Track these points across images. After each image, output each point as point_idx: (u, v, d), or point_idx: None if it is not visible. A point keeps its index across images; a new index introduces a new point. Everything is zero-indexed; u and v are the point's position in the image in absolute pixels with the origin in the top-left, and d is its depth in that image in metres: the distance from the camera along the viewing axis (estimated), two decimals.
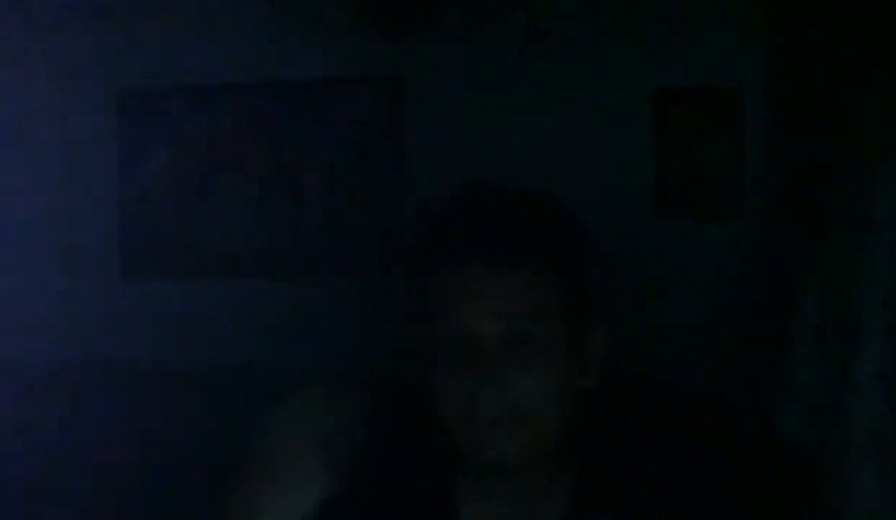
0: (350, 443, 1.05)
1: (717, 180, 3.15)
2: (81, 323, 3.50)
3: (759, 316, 2.70)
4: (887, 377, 2.16)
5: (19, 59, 3.54)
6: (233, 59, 3.44)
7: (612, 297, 1.35)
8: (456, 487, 1.24)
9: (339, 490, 1.17)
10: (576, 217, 1.24)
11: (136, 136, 3.51)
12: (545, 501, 1.23)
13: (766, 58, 3.02)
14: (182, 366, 3.37)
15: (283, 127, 3.42)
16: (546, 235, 1.20)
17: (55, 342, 3.49)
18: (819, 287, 2.26)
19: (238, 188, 3.46)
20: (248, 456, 1.09)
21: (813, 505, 2.22)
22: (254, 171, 3.45)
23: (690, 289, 3.14)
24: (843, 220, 2.24)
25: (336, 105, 3.39)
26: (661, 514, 1.23)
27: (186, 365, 3.36)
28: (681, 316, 3.13)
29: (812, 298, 2.26)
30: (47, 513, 3.26)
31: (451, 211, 1.23)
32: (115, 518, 3.23)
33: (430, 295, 1.20)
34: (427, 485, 1.24)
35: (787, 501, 2.21)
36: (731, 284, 3.08)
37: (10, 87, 3.55)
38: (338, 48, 3.34)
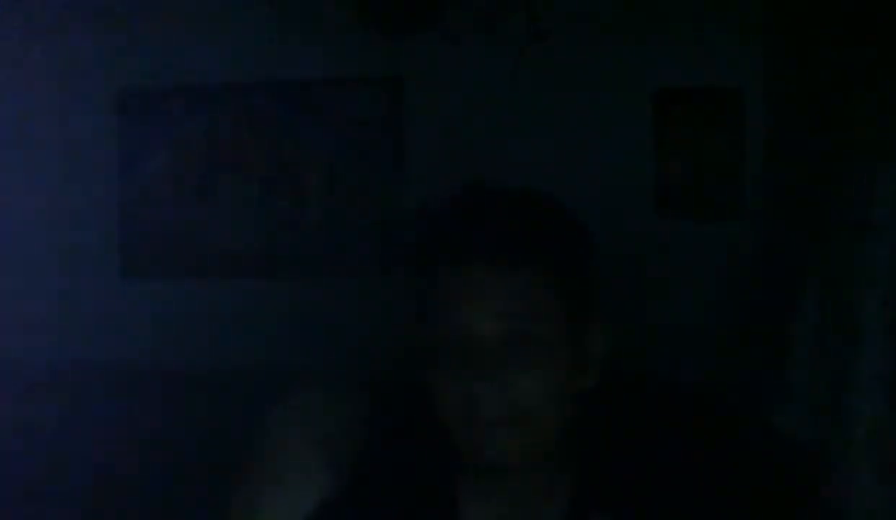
0: (350, 443, 1.04)
1: (717, 180, 3.15)
2: (81, 323, 3.50)
3: (759, 316, 2.70)
4: (887, 377, 2.16)
5: (19, 59, 3.54)
6: (233, 59, 3.44)
7: (612, 297, 1.35)
8: (456, 486, 1.24)
9: (339, 490, 1.17)
10: (576, 217, 1.23)
11: (136, 136, 3.51)
12: (545, 501, 1.23)
13: (766, 58, 3.02)
14: (182, 366, 3.37)
15: (283, 127, 3.42)
16: (547, 236, 1.20)
17: (55, 342, 3.49)
18: (819, 287, 2.26)
19: (238, 188, 3.46)
20: (247, 456, 1.08)
21: (813, 505, 2.22)
22: (254, 171, 3.45)
23: (690, 289, 3.14)
24: (843, 220, 2.24)
25: (336, 105, 3.39)
26: (661, 514, 1.23)
27: (186, 365, 3.36)
28: (681, 316, 3.13)
29: (812, 298, 2.26)
30: (47, 513, 3.26)
31: (452, 211, 1.23)
32: (115, 518, 3.23)
33: (431, 295, 1.20)
34: (427, 485, 1.24)
35: (788, 501, 2.21)
36: (731, 284, 3.08)
37: (10, 87, 3.55)
38: (338, 48, 3.34)
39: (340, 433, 1.05)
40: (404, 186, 3.35)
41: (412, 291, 1.22)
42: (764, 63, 3.04)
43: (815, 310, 2.26)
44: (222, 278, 3.47)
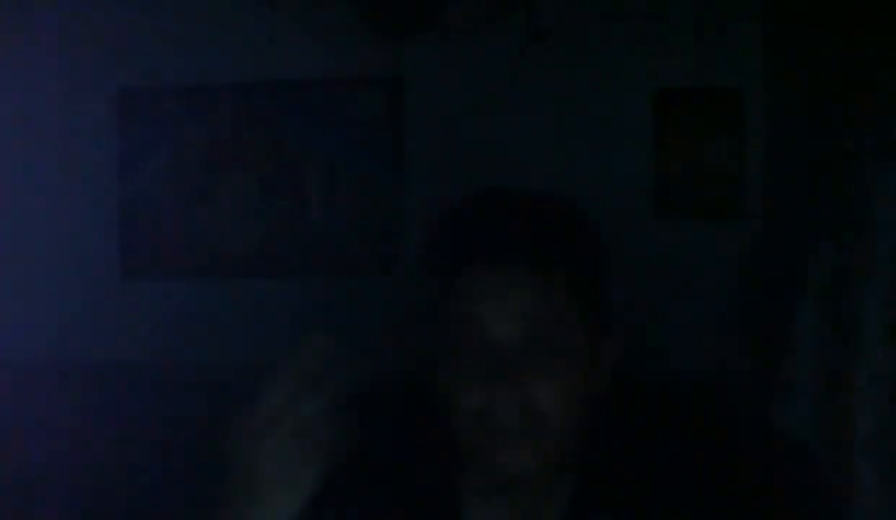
0: (333, 430, 1.02)
1: (717, 180, 3.15)
2: (81, 323, 3.50)
3: (759, 316, 2.70)
4: (887, 377, 2.16)
5: (19, 59, 3.54)
6: (233, 59, 3.43)
7: (612, 297, 1.35)
8: (457, 487, 1.24)
9: (338, 492, 1.16)
10: (595, 223, 1.22)
11: (136, 136, 3.51)
12: (545, 501, 1.23)
13: (766, 58, 3.03)
14: (182, 366, 3.37)
15: (283, 127, 3.42)
16: (568, 239, 1.19)
17: (55, 342, 3.49)
18: (819, 287, 2.26)
19: (238, 188, 3.45)
20: (224, 459, 1.06)
21: (813, 505, 2.22)
22: (254, 171, 3.44)
23: (690, 289, 3.14)
24: (843, 220, 2.24)
25: (336, 105, 3.39)
26: (661, 514, 1.23)
27: (186, 365, 3.36)
28: (680, 316, 3.13)
29: (812, 298, 2.27)
30: (47, 513, 3.26)
31: (473, 212, 1.21)
32: (116, 518, 3.23)
33: (448, 296, 1.18)
34: (428, 486, 1.24)
35: (787, 501, 2.20)
36: (731, 284, 3.08)
37: (10, 87, 3.55)
38: (338, 48, 3.34)
39: (320, 423, 1.03)
40: (404, 186, 3.35)
41: (422, 292, 1.21)
42: (764, 63, 3.04)
43: (815, 310, 2.26)
44: (222, 278, 3.46)
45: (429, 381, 1.19)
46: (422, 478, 1.23)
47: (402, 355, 1.28)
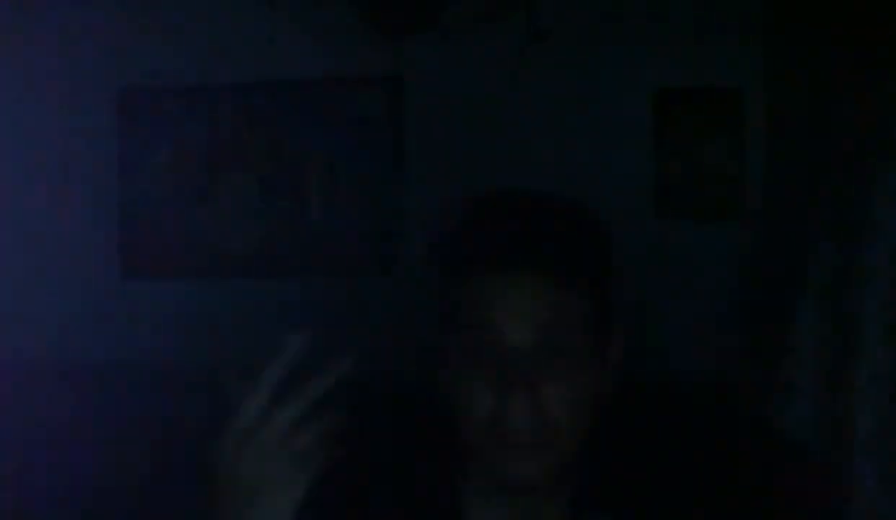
0: (318, 433, 1.01)
1: (717, 181, 3.15)
2: (81, 323, 3.50)
3: (759, 316, 2.70)
4: (887, 377, 2.16)
5: (19, 59, 3.54)
6: (233, 59, 3.44)
7: (614, 297, 1.35)
8: (457, 488, 1.24)
9: (338, 492, 1.16)
10: (608, 227, 1.21)
11: (136, 136, 3.51)
12: (546, 501, 1.23)
13: (766, 58, 3.03)
14: (182, 366, 3.37)
15: (283, 127, 3.42)
16: (582, 246, 1.17)
17: (55, 342, 3.49)
18: (819, 287, 2.26)
19: (238, 188, 3.46)
20: (213, 466, 1.05)
21: (814, 505, 2.22)
22: (254, 171, 3.44)
23: (690, 289, 3.14)
24: (843, 220, 2.24)
25: (336, 105, 3.39)
26: (661, 514, 1.23)
27: (186, 365, 3.36)
28: (680, 316, 3.13)
29: (812, 299, 2.26)
30: (47, 513, 3.26)
31: (487, 216, 1.19)
32: (116, 518, 3.23)
33: (459, 300, 1.16)
34: (429, 487, 1.24)
35: (788, 500, 2.21)
36: (731, 284, 3.08)
37: (10, 87, 3.55)
38: (338, 48, 3.34)
39: (307, 426, 1.02)
40: (404, 185, 3.35)
41: (424, 293, 1.20)
42: (764, 63, 3.04)
43: (815, 310, 2.26)
44: (222, 278, 3.47)
45: (432, 383, 1.18)
46: (422, 478, 1.23)
47: (403, 356, 1.27)
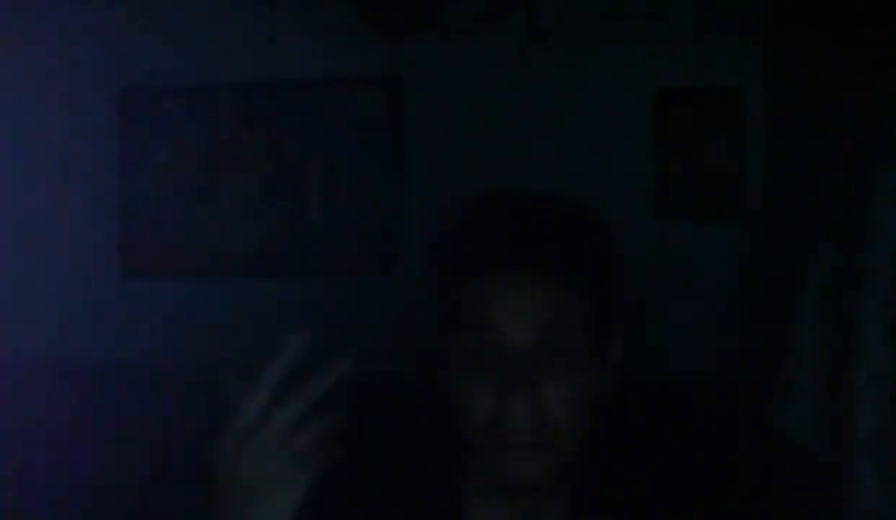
0: (317, 433, 1.01)
1: (717, 181, 3.16)
2: (81, 323, 3.50)
3: (759, 316, 2.70)
4: (887, 377, 2.15)
5: (19, 59, 3.54)
6: (233, 59, 3.44)
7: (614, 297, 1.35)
8: (457, 487, 1.24)
9: (338, 492, 1.16)
10: (605, 225, 1.21)
11: (136, 136, 3.51)
12: (546, 501, 1.23)
13: (766, 58, 3.03)
14: (182, 366, 3.37)
15: (283, 127, 3.42)
16: (584, 247, 1.17)
17: (55, 342, 3.49)
18: (819, 287, 2.26)
19: (238, 188, 3.46)
20: (213, 466, 1.05)
21: (814, 505, 2.22)
22: (254, 171, 3.45)
23: (690, 289, 3.14)
24: (843, 220, 2.24)
25: (336, 105, 3.39)
26: (661, 514, 1.23)
27: (186, 365, 3.36)
28: (680, 316, 3.13)
29: (812, 299, 2.26)
30: (47, 513, 3.26)
31: (488, 216, 1.19)
32: (115, 518, 3.23)
33: (460, 301, 1.16)
34: (429, 487, 1.24)
35: (788, 501, 2.21)
36: (731, 284, 3.08)
37: (10, 87, 3.55)
38: (338, 48, 3.34)
39: (307, 424, 1.02)
40: (404, 185, 3.35)
41: (424, 293, 1.20)
42: (764, 63, 3.04)
43: (815, 310, 2.26)
44: (222, 278, 3.47)
45: (432, 383, 1.18)
46: (422, 478, 1.23)
47: (403, 356, 1.27)
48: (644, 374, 1.32)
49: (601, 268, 1.19)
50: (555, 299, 1.14)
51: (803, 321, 2.26)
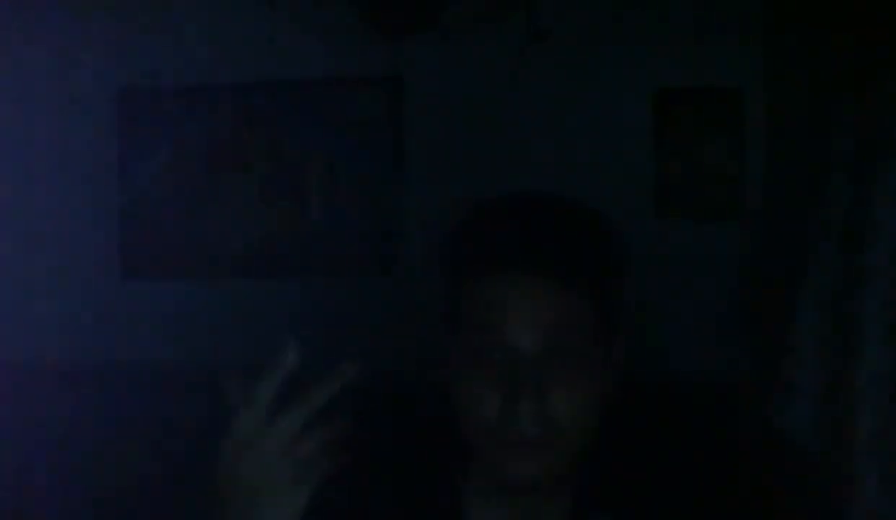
0: (319, 441, 1.01)
1: (717, 181, 3.15)
2: (81, 323, 3.50)
3: (759, 316, 2.70)
4: (887, 377, 2.16)
5: (19, 59, 3.54)
6: (233, 59, 3.44)
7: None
8: (458, 487, 1.24)
9: (339, 492, 1.16)
10: (615, 228, 1.21)
11: (136, 136, 3.51)
12: (547, 501, 1.23)
13: (766, 58, 3.03)
14: (182, 366, 3.37)
15: (283, 127, 3.42)
16: (592, 250, 1.16)
17: (56, 343, 3.49)
18: (819, 287, 2.26)
19: (238, 188, 3.46)
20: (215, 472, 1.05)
21: (814, 506, 2.22)
22: (254, 171, 3.44)
23: (690, 289, 3.14)
24: (843, 220, 2.24)
25: (336, 105, 3.39)
26: (662, 515, 1.23)
27: (186, 365, 3.36)
28: (680, 316, 3.13)
29: (812, 299, 2.26)
30: (47, 513, 3.26)
31: (497, 218, 1.18)
32: (115, 518, 3.23)
33: (467, 303, 1.16)
34: (429, 486, 1.24)
35: (788, 501, 2.21)
36: (731, 284, 3.08)
37: (9, 87, 3.55)
38: (338, 48, 3.34)
39: (309, 432, 1.01)
40: (404, 185, 3.35)
41: (428, 294, 1.19)
42: (764, 63, 3.04)
43: (815, 310, 2.26)
44: (222, 278, 3.47)
45: (434, 383, 1.18)
46: (423, 478, 1.23)
47: (403, 356, 1.27)
48: (644, 374, 1.32)
49: (607, 271, 1.18)
50: (560, 302, 1.14)
51: (803, 321, 2.26)
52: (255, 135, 3.44)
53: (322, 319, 3.31)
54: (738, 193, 3.14)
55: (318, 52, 3.35)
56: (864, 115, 2.25)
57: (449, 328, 1.19)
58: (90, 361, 3.46)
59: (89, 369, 3.44)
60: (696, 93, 3.17)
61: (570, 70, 3.24)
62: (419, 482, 1.24)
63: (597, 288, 1.16)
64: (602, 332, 1.17)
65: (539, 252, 1.14)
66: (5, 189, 3.54)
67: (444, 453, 1.23)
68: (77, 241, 3.52)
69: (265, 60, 3.41)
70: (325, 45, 3.34)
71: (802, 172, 2.49)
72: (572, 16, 3.21)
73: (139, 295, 3.50)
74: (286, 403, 1.01)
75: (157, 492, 3.16)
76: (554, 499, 1.23)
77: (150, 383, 3.38)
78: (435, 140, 3.33)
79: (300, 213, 3.42)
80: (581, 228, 1.18)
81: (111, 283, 3.52)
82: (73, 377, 3.43)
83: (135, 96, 3.50)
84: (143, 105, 3.50)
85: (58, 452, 3.35)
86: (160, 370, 3.39)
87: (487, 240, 1.17)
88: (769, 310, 2.55)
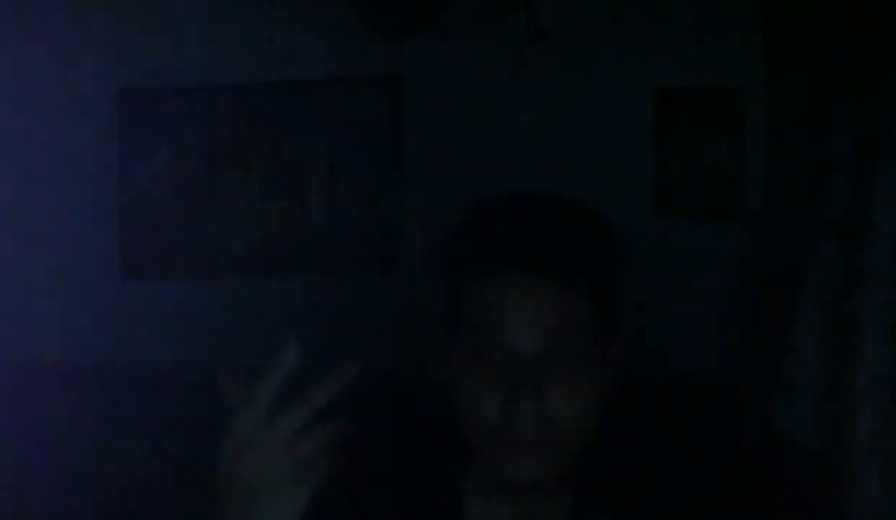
0: (319, 443, 1.01)
1: (717, 181, 3.16)
2: (81, 323, 3.50)
3: (759, 316, 2.70)
4: (887, 377, 2.15)
5: (19, 59, 3.54)
6: (233, 59, 3.44)
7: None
8: (458, 487, 1.24)
9: (336, 496, 1.16)
10: (615, 228, 1.20)
11: (136, 136, 3.51)
12: (546, 501, 1.23)
13: (766, 58, 3.03)
14: (182, 366, 3.37)
15: (283, 127, 3.42)
16: (593, 251, 1.16)
17: (56, 343, 3.49)
18: (819, 287, 2.26)
19: (238, 188, 3.46)
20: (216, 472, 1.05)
21: (814, 506, 2.22)
22: (254, 171, 3.45)
23: (690, 289, 3.14)
24: (843, 220, 2.24)
25: (336, 105, 3.39)
26: (662, 514, 1.23)
27: (186, 365, 3.36)
28: (680, 316, 3.13)
29: (812, 299, 2.26)
30: (47, 513, 3.26)
31: (498, 218, 1.18)
32: (115, 518, 3.23)
33: (467, 303, 1.16)
34: (429, 486, 1.24)
35: (788, 501, 2.21)
36: (731, 284, 3.08)
37: (10, 87, 3.55)
38: (338, 48, 3.34)
39: (310, 432, 1.01)
40: (404, 185, 3.35)
41: (427, 294, 1.19)
42: (764, 63, 3.04)
43: (815, 310, 2.26)
44: (222, 278, 3.47)
45: (433, 383, 1.18)
46: (422, 478, 1.23)
47: (403, 356, 1.27)
48: (644, 374, 1.32)
49: (607, 271, 1.18)
50: (560, 302, 1.14)
51: (803, 321, 2.26)
52: (255, 135, 3.44)
53: (322, 319, 3.31)
54: (738, 193, 3.14)
55: (318, 52, 3.35)
56: (864, 115, 2.25)
57: (449, 328, 1.19)
58: (90, 361, 3.46)
59: (89, 369, 3.44)
60: (696, 93, 3.17)
61: (570, 70, 3.24)
62: (419, 482, 1.24)
63: (597, 288, 1.16)
64: (602, 332, 1.17)
65: (539, 252, 1.14)
66: (5, 189, 3.55)
67: (444, 453, 1.23)
68: (77, 241, 3.52)
69: (265, 60, 3.42)
70: (325, 45, 3.34)
71: (802, 172, 2.49)
72: (572, 16, 3.21)
73: (139, 295, 3.50)
74: (286, 402, 1.01)
75: (157, 492, 3.16)
76: (554, 499, 1.23)
77: (150, 383, 3.38)
78: (435, 140, 3.33)
79: (300, 213, 3.42)
80: (581, 228, 1.18)
81: (111, 283, 3.52)
82: (73, 377, 3.43)
83: (135, 96, 3.51)
84: (143, 105, 3.50)
85: (58, 452, 3.35)
86: (160, 370, 3.39)
87: (487, 240, 1.17)
88: (769, 310, 2.55)
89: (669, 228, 3.18)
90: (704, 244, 3.15)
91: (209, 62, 3.45)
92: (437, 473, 1.24)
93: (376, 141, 3.37)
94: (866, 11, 2.33)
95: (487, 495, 1.23)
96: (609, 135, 3.22)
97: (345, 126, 3.39)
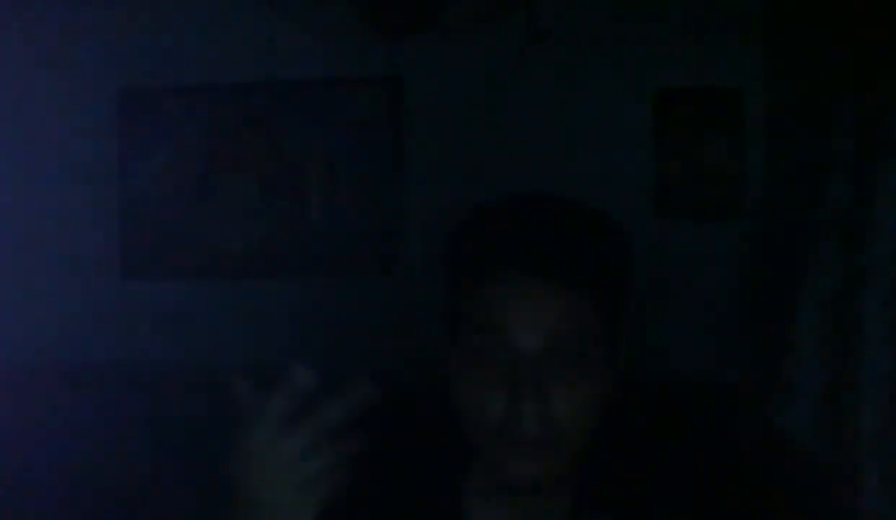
0: (326, 460, 1.01)
1: (717, 180, 3.15)
2: (81, 323, 3.50)
3: (759, 316, 2.70)
4: (887, 377, 2.16)
5: (19, 59, 3.54)
6: (233, 59, 3.44)
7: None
8: (459, 487, 1.24)
9: (337, 496, 1.16)
10: (621, 230, 1.20)
11: (136, 136, 3.51)
12: (547, 501, 1.23)
13: (766, 58, 3.03)
14: (182, 366, 3.37)
15: (283, 127, 3.42)
16: (598, 253, 1.16)
17: (56, 343, 3.49)
18: (819, 287, 2.26)
19: (238, 188, 3.45)
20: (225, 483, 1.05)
21: (814, 505, 2.22)
22: (254, 171, 3.44)
23: (690, 289, 3.14)
24: (843, 219, 2.24)
25: (336, 105, 3.39)
26: (662, 515, 1.23)
27: (186, 365, 3.36)
28: (680, 316, 3.13)
29: (812, 299, 2.26)
30: (47, 513, 3.26)
31: (503, 219, 1.18)
32: (115, 518, 3.23)
33: (470, 304, 1.16)
34: (431, 486, 1.24)
35: (789, 501, 2.21)
36: (731, 284, 3.08)
37: (10, 87, 3.55)
38: (338, 48, 3.34)
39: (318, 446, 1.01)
40: (404, 185, 3.35)
41: (430, 295, 1.19)
42: (764, 63, 3.04)
43: (815, 310, 2.26)
44: (222, 278, 3.47)
45: (435, 383, 1.18)
46: (423, 478, 1.23)
47: (403, 356, 1.27)
48: (644, 374, 1.32)
49: (608, 271, 1.18)
50: (562, 302, 1.14)
51: (803, 321, 2.26)
52: (255, 135, 3.44)
53: (322, 319, 3.31)
54: (738, 193, 3.14)
55: (318, 52, 3.35)
56: (864, 115, 2.25)
57: (450, 328, 1.19)
58: (90, 361, 3.46)
59: (89, 369, 3.44)
60: (696, 93, 3.17)
61: (570, 70, 3.24)
62: (420, 482, 1.24)
63: (598, 288, 1.16)
64: (603, 332, 1.16)
65: (540, 253, 1.14)
66: (5, 189, 3.54)
67: (445, 452, 1.23)
68: (77, 241, 3.52)
69: (265, 60, 3.41)
70: (325, 45, 3.34)
71: (802, 172, 2.49)
72: (572, 16, 3.21)
73: (139, 295, 3.50)
74: (298, 411, 1.01)
75: (157, 492, 3.16)
76: (554, 499, 1.23)
77: (150, 383, 3.38)
78: (435, 140, 3.33)
79: (300, 213, 3.42)
80: (582, 228, 1.18)
81: (111, 283, 3.52)
82: (73, 377, 3.43)
83: (135, 96, 3.50)
84: (143, 105, 3.50)
85: (58, 452, 3.35)
86: (160, 370, 3.39)
87: (489, 241, 1.17)
88: (769, 310, 2.55)
89: (669, 228, 3.18)
90: (704, 244, 3.15)
91: (209, 62, 3.45)
92: (438, 473, 1.24)
93: (376, 141, 3.37)
94: (866, 11, 2.33)
95: (488, 494, 1.23)
96: (609, 135, 3.22)
97: (345, 126, 3.38)
